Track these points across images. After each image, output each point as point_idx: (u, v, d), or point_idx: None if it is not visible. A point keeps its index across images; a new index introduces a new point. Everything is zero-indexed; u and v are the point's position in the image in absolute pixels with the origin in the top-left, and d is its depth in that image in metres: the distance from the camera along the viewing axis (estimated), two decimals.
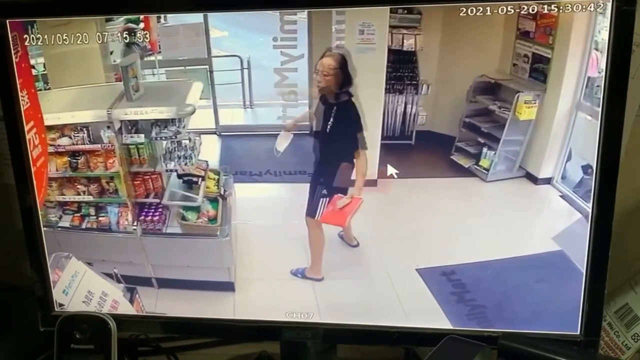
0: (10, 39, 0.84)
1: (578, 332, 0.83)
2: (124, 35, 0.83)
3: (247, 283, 0.92)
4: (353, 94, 0.82)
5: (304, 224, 0.90)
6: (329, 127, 0.84)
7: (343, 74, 0.81)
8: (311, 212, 0.88)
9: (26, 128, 0.87)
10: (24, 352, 1.04)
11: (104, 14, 0.83)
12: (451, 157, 0.85)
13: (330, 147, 0.86)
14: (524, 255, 0.84)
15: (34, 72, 0.86)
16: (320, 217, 0.88)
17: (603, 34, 0.74)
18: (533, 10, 0.75)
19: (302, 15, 0.81)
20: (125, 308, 0.95)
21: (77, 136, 0.90)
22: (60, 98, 0.88)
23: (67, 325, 0.86)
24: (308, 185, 0.87)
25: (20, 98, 0.86)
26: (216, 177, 0.90)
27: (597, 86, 0.75)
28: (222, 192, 0.91)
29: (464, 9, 0.75)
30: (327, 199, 0.87)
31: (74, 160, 0.91)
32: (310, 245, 0.90)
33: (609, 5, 0.73)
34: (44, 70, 0.87)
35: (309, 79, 0.86)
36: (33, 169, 0.89)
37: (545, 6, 0.75)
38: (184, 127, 0.88)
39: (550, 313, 0.84)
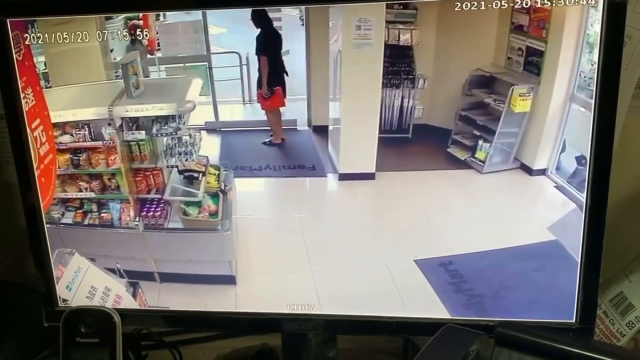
0: (12, 38, 0.84)
1: (573, 320, 0.84)
2: (136, 33, 0.84)
3: (248, 276, 0.93)
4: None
5: (303, 217, 0.91)
6: None
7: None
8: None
9: (32, 126, 0.88)
10: (27, 347, 1.05)
11: (104, 13, 0.83)
12: (448, 149, 0.87)
13: None
14: (520, 245, 0.85)
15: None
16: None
17: (595, 27, 0.75)
18: (526, 4, 0.76)
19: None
20: (128, 302, 0.96)
21: (79, 133, 0.90)
22: (62, 96, 0.89)
23: (72, 319, 0.87)
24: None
25: (25, 96, 0.87)
26: (216, 172, 0.91)
27: (590, 78, 0.77)
28: (222, 187, 0.92)
29: (459, 4, 0.76)
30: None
31: (76, 158, 0.92)
32: (271, 123, 0.91)
33: None
34: (45, 69, 0.87)
35: (307, 74, 0.87)
36: (41, 167, 0.90)
37: (539, 0, 0.76)
38: (184, 123, 0.89)
39: (546, 301, 0.85)
